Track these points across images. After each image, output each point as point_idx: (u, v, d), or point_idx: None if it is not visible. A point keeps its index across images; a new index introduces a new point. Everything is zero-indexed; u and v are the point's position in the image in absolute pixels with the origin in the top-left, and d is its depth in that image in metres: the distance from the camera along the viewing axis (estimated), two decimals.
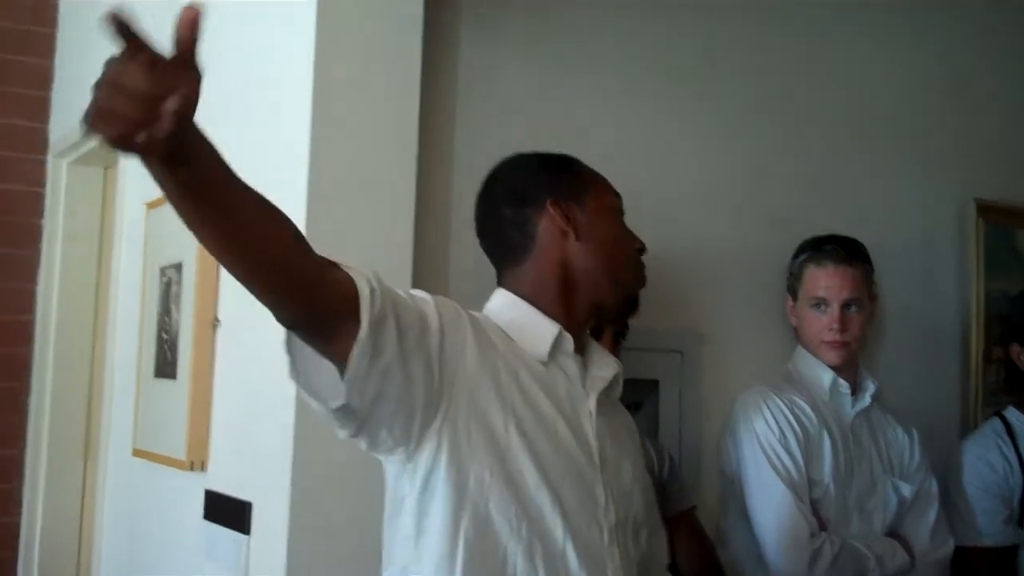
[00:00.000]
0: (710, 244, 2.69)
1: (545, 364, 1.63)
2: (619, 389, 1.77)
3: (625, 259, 1.74)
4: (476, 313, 1.66)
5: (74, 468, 3.56)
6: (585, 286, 1.70)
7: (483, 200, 1.79)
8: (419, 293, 1.52)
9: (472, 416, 1.50)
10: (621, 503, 1.65)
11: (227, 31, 2.48)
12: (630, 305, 1.84)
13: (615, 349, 2.26)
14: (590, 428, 1.64)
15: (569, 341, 1.66)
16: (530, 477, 1.53)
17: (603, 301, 1.73)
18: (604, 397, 1.70)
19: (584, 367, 1.69)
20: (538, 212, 1.70)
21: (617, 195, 1.77)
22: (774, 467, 2.35)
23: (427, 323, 1.46)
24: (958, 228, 3.06)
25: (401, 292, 1.46)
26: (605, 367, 1.73)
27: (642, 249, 1.76)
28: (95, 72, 1.04)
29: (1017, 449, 2.70)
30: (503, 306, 1.70)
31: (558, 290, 1.69)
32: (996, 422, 2.78)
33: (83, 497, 3.54)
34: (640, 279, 1.78)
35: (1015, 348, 2.78)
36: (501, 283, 1.75)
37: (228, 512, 2.22)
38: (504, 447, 1.52)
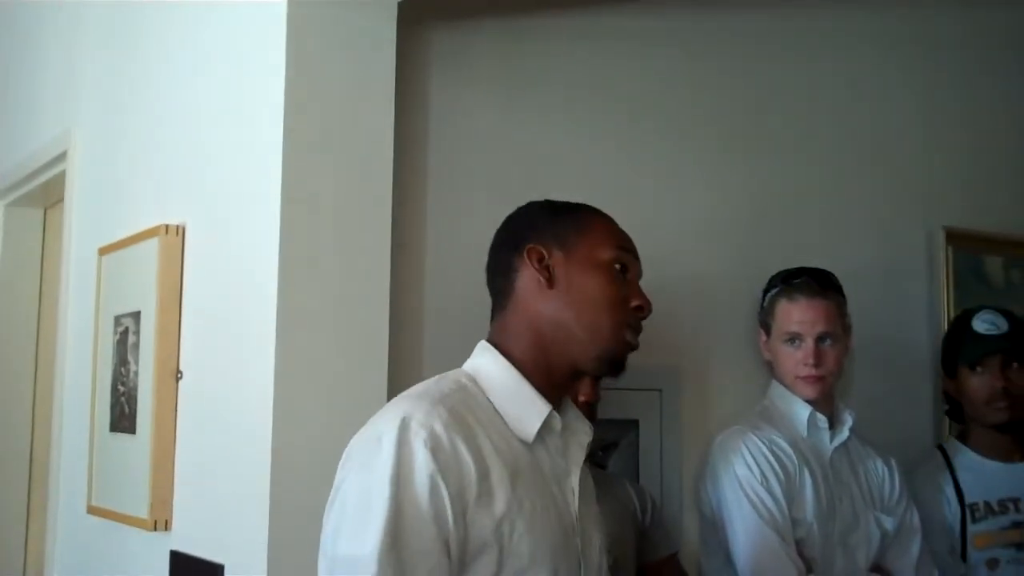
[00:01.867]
0: (686, 281, 2.65)
1: (530, 444, 1.54)
2: (588, 451, 1.67)
3: (606, 319, 1.58)
4: (464, 383, 1.56)
5: (16, 524, 3.42)
6: (558, 342, 1.58)
7: (495, 238, 1.70)
8: (420, 482, 1.40)
9: (483, 543, 1.44)
10: None
11: (188, 77, 2.41)
12: (614, 368, 1.67)
13: (595, 389, 2.20)
14: (574, 506, 1.57)
15: (557, 420, 1.58)
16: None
17: (580, 362, 1.60)
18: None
19: (562, 433, 1.61)
20: (519, 257, 1.61)
21: (622, 249, 1.64)
22: (757, 510, 2.30)
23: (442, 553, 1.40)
24: (927, 256, 3.06)
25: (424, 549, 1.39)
26: (581, 433, 1.64)
27: (641, 308, 1.61)
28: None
29: (956, 481, 2.68)
30: (494, 373, 1.58)
31: (532, 344, 1.59)
32: (936, 454, 2.77)
33: (26, 557, 3.38)
34: (624, 343, 1.60)
35: (946, 380, 2.77)
36: (492, 325, 1.65)
37: (196, 574, 2.11)
38: (507, 555, 1.45)
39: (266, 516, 1.92)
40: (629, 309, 1.61)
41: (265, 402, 1.95)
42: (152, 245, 2.32)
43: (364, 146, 2.11)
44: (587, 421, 1.68)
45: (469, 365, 1.62)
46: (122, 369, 2.45)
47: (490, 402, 1.55)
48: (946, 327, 2.96)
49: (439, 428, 1.43)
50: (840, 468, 2.46)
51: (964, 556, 2.64)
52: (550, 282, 1.59)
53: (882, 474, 2.52)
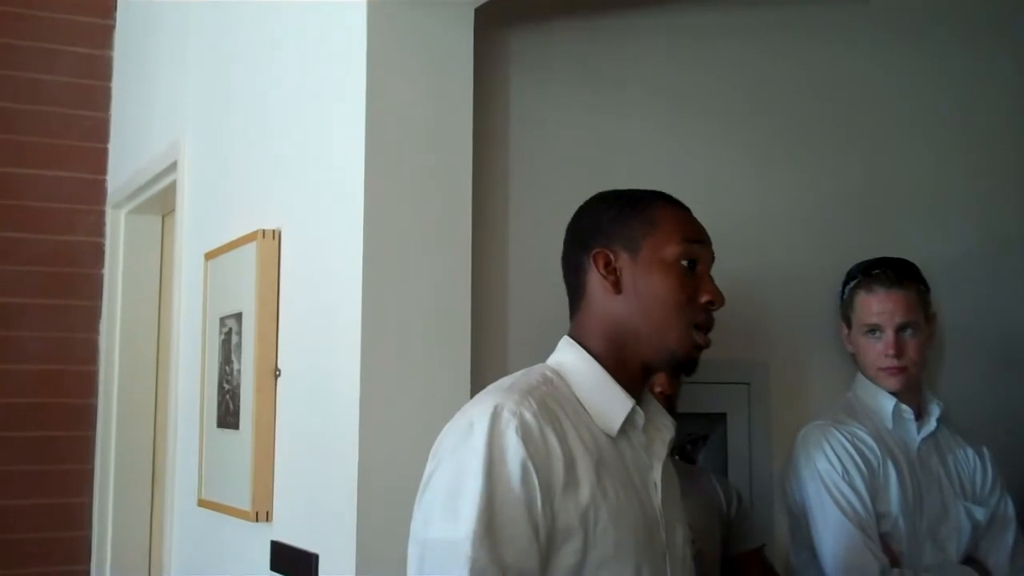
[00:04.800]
0: (774, 273, 2.66)
1: (614, 438, 1.57)
2: (671, 447, 1.70)
3: (673, 322, 1.58)
4: (549, 376, 1.59)
5: (141, 516, 3.60)
6: (630, 342, 1.60)
7: (567, 230, 1.71)
8: (512, 470, 1.44)
9: (569, 531, 1.47)
10: (678, 572, 1.61)
11: (277, 85, 2.50)
12: (686, 368, 1.62)
13: (672, 382, 2.22)
14: (657, 499, 1.60)
15: (640, 415, 1.60)
16: (617, 573, 1.50)
17: (651, 361, 1.62)
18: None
19: (645, 427, 1.63)
20: (587, 259, 1.63)
21: (690, 242, 1.62)
22: (839, 505, 2.30)
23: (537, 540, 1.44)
24: None
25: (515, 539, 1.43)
26: (664, 429, 1.66)
27: (712, 303, 1.60)
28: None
29: None
30: (579, 367, 1.61)
31: (607, 342, 1.61)
32: None
33: (150, 546, 3.55)
34: (692, 345, 1.59)
35: None
36: (571, 322, 1.68)
37: (294, 563, 2.21)
38: (592, 543, 1.48)
39: (354, 509, 1.99)
40: (698, 305, 1.60)
41: (352, 398, 2.03)
42: (251, 249, 2.43)
43: (444, 148, 2.16)
44: (669, 416, 1.70)
45: (553, 360, 1.65)
46: (227, 368, 2.57)
47: (575, 396, 1.58)
48: None
49: (529, 417, 1.47)
50: (928, 459, 2.44)
51: None
52: (617, 286, 1.60)
53: (973, 464, 2.49)
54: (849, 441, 2.35)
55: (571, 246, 1.68)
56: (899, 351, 2.40)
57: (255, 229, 2.42)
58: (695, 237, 1.63)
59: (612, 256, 1.61)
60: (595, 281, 1.63)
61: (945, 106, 2.95)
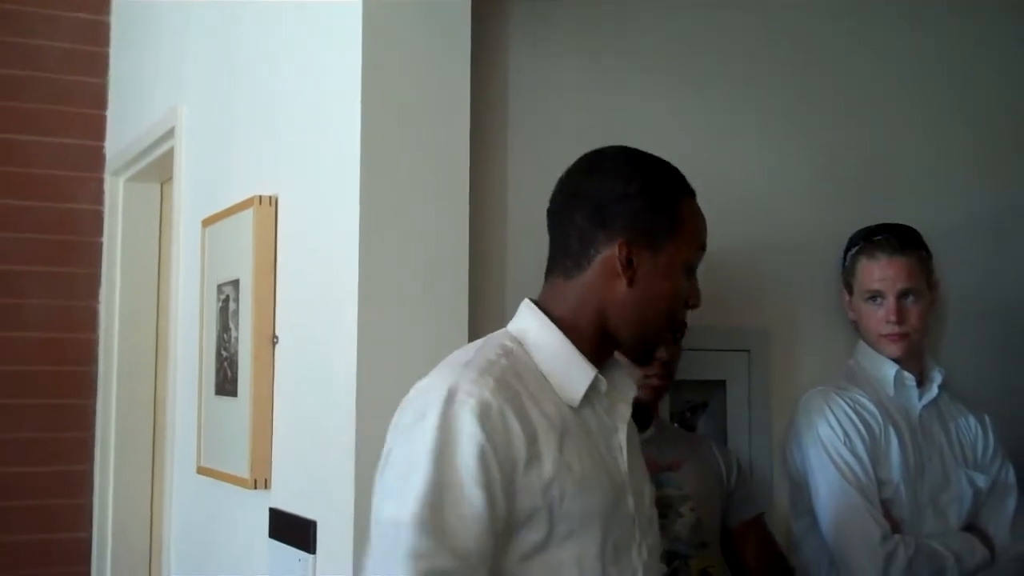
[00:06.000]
0: (775, 241, 2.64)
1: (577, 408, 1.57)
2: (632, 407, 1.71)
3: (664, 321, 1.64)
4: (510, 347, 1.58)
5: (142, 484, 3.60)
6: (615, 326, 1.62)
7: (571, 185, 1.68)
8: (468, 464, 1.43)
9: (533, 507, 1.47)
10: (648, 534, 1.63)
11: (275, 52, 2.48)
12: (647, 358, 1.73)
13: (672, 349, 2.24)
14: (623, 462, 1.61)
15: (603, 382, 1.61)
16: (583, 543, 1.50)
17: (624, 344, 1.65)
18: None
19: (608, 392, 1.64)
20: (608, 239, 1.60)
21: (701, 248, 1.66)
22: (840, 471, 2.30)
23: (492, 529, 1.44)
24: None
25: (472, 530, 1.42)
26: (626, 389, 1.67)
27: (694, 306, 1.68)
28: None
29: None
30: (541, 337, 1.60)
31: (589, 318, 1.61)
32: None
33: (151, 512, 3.56)
34: (663, 341, 1.75)
35: None
36: (547, 283, 1.67)
37: (293, 530, 2.21)
38: (557, 518, 1.48)
39: (352, 476, 1.99)
40: (685, 306, 1.67)
41: (350, 364, 2.02)
42: (248, 216, 2.41)
43: (441, 114, 2.14)
44: (630, 378, 1.71)
45: (514, 327, 1.64)
46: (224, 335, 2.56)
47: (536, 367, 1.57)
48: None
49: (487, 395, 1.46)
50: (930, 426, 2.44)
51: None
52: (631, 281, 1.60)
53: (975, 431, 2.49)
54: (851, 407, 2.35)
55: (586, 211, 1.63)
56: (901, 318, 2.40)
57: (252, 195, 2.40)
58: (705, 242, 1.67)
59: (635, 251, 1.60)
60: (605, 263, 1.60)
61: (945, 72, 2.92)
